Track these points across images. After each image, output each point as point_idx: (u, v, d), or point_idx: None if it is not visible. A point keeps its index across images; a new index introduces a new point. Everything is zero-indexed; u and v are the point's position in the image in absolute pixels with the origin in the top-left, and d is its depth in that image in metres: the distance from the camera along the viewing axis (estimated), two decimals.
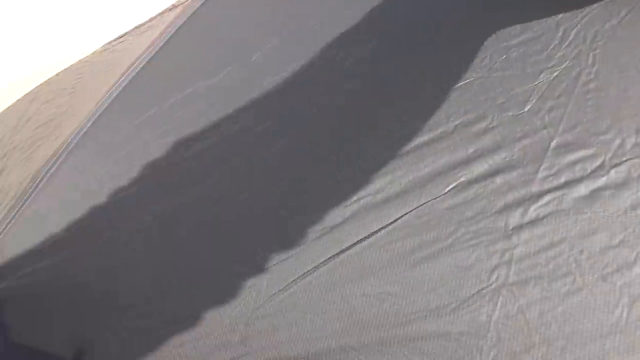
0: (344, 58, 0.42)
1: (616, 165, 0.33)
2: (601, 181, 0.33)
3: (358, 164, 0.37)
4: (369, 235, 0.35)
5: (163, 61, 0.50)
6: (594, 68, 0.37)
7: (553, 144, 0.34)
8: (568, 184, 0.33)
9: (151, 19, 0.68)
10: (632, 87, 0.35)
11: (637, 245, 0.31)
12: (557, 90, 0.36)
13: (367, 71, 0.41)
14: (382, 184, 0.36)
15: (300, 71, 0.43)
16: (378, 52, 0.42)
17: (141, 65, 0.50)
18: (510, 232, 0.33)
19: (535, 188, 0.33)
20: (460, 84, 0.39)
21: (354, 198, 0.35)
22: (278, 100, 0.43)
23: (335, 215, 0.35)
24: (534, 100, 0.36)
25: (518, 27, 0.41)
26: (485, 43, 0.40)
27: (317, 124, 0.41)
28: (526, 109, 0.36)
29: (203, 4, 0.53)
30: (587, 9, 0.40)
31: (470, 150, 0.35)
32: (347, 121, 0.40)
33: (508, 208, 0.33)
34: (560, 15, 0.41)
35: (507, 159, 0.35)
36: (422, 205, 0.34)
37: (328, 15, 0.45)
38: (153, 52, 0.52)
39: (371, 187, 0.36)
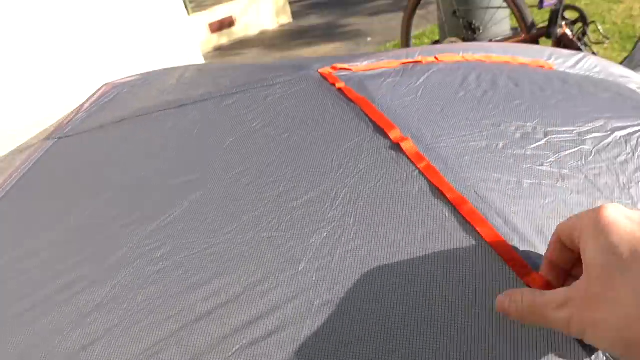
0: None
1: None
2: None
3: None
4: None
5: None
6: (354, 229, 0.44)
7: (316, 303, 0.41)
8: None
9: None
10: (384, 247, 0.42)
11: None
12: (324, 250, 0.43)
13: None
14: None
15: None
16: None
17: None
18: None
19: (304, 348, 0.40)
20: (251, 245, 0.45)
21: None
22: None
23: None
24: (306, 260, 0.43)
25: (304, 186, 0.48)
26: (274, 204, 0.48)
27: None
28: (300, 269, 0.43)
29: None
30: (355, 170, 0.48)
31: (254, 312, 0.42)
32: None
33: None
34: (337, 176, 0.48)
35: (281, 320, 0.41)
36: None
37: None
38: None
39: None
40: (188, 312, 0.42)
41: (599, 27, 2.00)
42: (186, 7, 5.02)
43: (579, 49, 1.91)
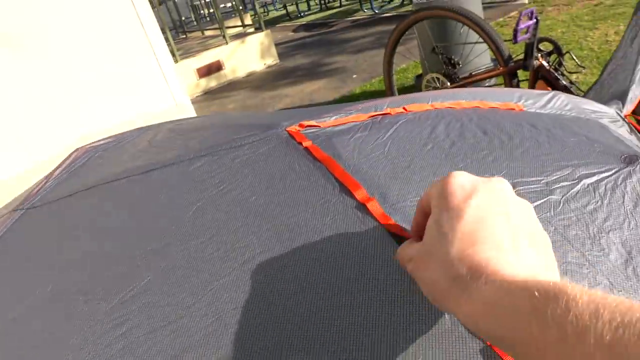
0: None
1: None
2: None
3: None
4: None
5: None
6: (320, 287, 0.43)
7: None
8: None
9: None
10: None
11: None
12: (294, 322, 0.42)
13: None
14: None
15: None
16: None
17: None
18: None
19: None
20: (215, 318, 0.44)
21: None
22: None
23: None
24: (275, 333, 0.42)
25: (270, 252, 0.47)
26: (239, 272, 0.46)
27: None
28: (265, 343, 0.41)
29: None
30: (322, 231, 0.47)
31: None
32: None
33: None
34: (304, 238, 0.47)
35: None
36: None
37: None
38: None
39: None
40: None
41: (574, 57, 2.05)
42: (174, 55, 5.13)
43: (556, 79, 1.95)
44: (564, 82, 1.93)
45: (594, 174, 0.51)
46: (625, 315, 0.20)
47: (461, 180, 0.34)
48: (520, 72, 2.16)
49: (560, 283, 0.24)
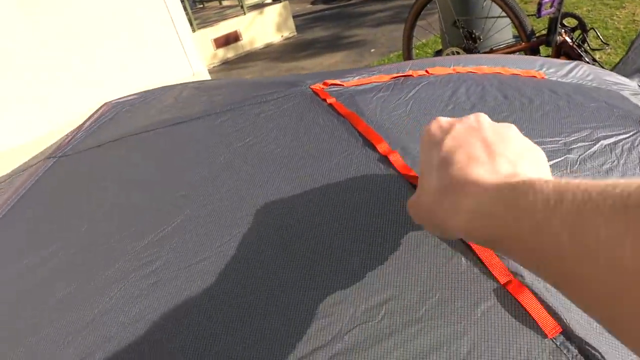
0: None
1: (350, 329, 0.41)
2: (337, 346, 0.40)
3: None
4: None
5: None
6: (338, 235, 0.45)
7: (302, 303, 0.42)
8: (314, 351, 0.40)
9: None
10: None
11: None
12: (309, 259, 0.44)
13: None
14: None
15: None
16: None
17: None
18: None
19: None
20: (240, 259, 0.47)
21: None
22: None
23: None
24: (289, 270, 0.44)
25: (295, 200, 0.50)
26: (261, 216, 0.49)
27: None
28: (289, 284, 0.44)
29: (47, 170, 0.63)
30: (346, 183, 0.49)
31: (234, 317, 0.43)
32: None
33: None
34: (326, 189, 0.49)
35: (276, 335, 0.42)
36: None
37: None
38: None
39: None
40: (182, 332, 0.43)
41: (598, 34, 2.01)
42: (191, 24, 5.10)
43: (579, 56, 1.92)
44: (587, 60, 1.89)
45: (611, 136, 0.52)
46: (585, 192, 0.21)
47: (440, 122, 0.39)
48: (542, 49, 2.13)
49: (531, 179, 0.26)
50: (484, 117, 0.38)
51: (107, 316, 0.46)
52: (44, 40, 2.87)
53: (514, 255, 0.27)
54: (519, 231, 0.25)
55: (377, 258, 0.42)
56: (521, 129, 0.54)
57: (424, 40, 4.35)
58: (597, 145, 0.50)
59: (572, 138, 0.52)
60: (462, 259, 0.40)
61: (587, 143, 0.51)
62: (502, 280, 0.38)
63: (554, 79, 0.79)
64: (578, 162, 0.49)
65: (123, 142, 0.68)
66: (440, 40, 3.20)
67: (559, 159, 0.49)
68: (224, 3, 7.17)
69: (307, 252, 0.44)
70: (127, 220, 0.55)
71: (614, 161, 0.49)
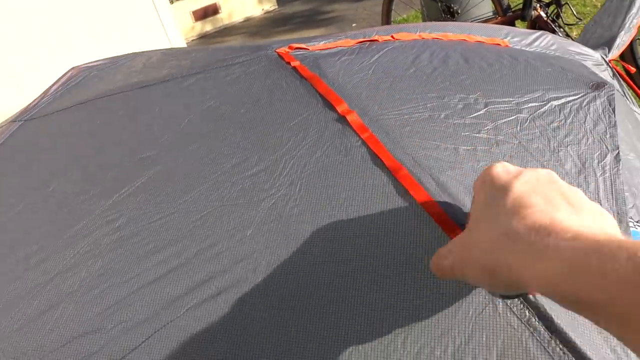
0: None
1: None
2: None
3: None
4: None
5: None
6: (299, 195, 0.46)
7: (263, 263, 0.44)
8: None
9: None
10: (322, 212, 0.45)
11: None
12: (271, 216, 0.46)
13: None
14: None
15: None
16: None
17: None
18: None
19: (246, 305, 0.43)
20: (203, 213, 0.48)
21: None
22: None
23: None
24: (254, 226, 0.46)
25: (255, 158, 0.51)
26: (227, 175, 0.50)
27: None
28: (247, 234, 0.46)
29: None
30: (303, 142, 0.51)
31: (204, 274, 0.44)
32: None
33: None
34: (286, 148, 0.51)
35: (229, 281, 0.44)
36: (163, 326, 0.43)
37: None
38: None
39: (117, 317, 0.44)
40: (143, 276, 0.45)
41: (572, 9, 2.03)
42: None
43: (553, 30, 1.94)
44: (560, 34, 1.92)
45: (561, 97, 0.54)
46: None
47: (505, 166, 0.34)
48: (518, 23, 2.14)
49: (635, 241, 0.23)
50: (555, 175, 0.33)
51: (71, 271, 0.47)
52: (11, 8, 2.78)
53: (607, 324, 0.24)
54: (622, 298, 0.22)
55: (325, 216, 0.44)
56: (477, 90, 0.56)
57: (404, 16, 4.33)
58: (547, 106, 0.53)
59: (525, 99, 0.54)
60: (412, 214, 0.42)
61: (538, 103, 0.53)
62: (448, 230, 0.41)
63: (518, 47, 0.80)
64: (528, 121, 0.51)
65: (90, 104, 0.68)
66: (420, 16, 3.19)
67: (511, 118, 0.51)
68: None
69: (266, 208, 0.46)
70: (94, 180, 0.56)
71: (561, 120, 0.51)
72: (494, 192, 0.32)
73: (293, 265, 0.42)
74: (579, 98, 0.54)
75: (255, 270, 0.43)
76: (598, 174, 0.45)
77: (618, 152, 0.47)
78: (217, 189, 0.49)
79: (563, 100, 0.54)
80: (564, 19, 2.00)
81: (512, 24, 2.12)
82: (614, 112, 0.52)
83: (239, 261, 0.44)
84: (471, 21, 2.39)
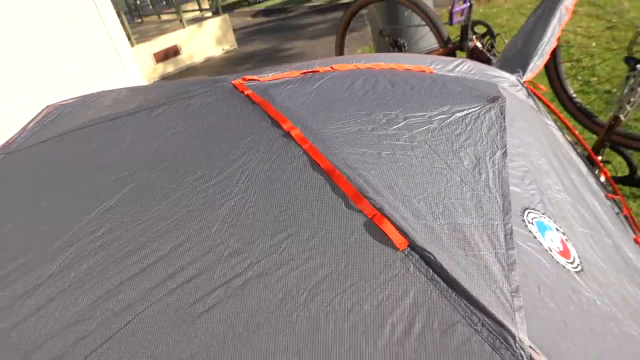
0: None
1: (260, 260, 0.52)
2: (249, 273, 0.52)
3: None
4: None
5: None
6: (254, 197, 0.56)
7: (226, 253, 0.53)
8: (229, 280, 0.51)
9: None
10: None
11: None
12: (231, 215, 0.56)
13: None
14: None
15: None
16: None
17: None
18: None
19: (213, 285, 0.52)
20: (174, 218, 0.57)
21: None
22: None
23: None
24: (218, 224, 0.55)
25: (216, 171, 0.61)
26: (193, 186, 0.60)
27: None
28: (213, 231, 0.55)
29: None
30: (256, 155, 0.61)
31: (176, 266, 0.53)
32: None
33: (197, 302, 0.51)
34: (242, 161, 0.61)
35: (198, 269, 0.53)
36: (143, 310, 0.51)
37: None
38: None
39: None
40: (124, 272, 0.53)
41: (504, 39, 2.25)
42: (129, 38, 5.08)
43: (488, 60, 2.14)
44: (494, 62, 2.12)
45: (464, 109, 0.67)
46: None
47: None
48: (458, 53, 2.35)
49: None
50: None
51: (62, 273, 0.55)
52: None
53: None
54: None
55: (275, 201, 0.54)
56: (398, 107, 0.68)
57: (359, 51, 4.57)
58: (452, 117, 0.65)
59: (435, 112, 0.66)
60: (343, 204, 0.53)
61: (445, 116, 0.66)
62: (369, 214, 0.51)
63: (441, 72, 0.94)
64: (437, 129, 0.63)
65: (66, 136, 0.76)
66: (372, 50, 3.40)
67: (424, 128, 0.63)
68: (163, 17, 7.15)
69: (227, 209, 0.56)
70: (76, 199, 0.64)
71: (463, 127, 0.64)
72: None
73: (250, 252, 0.52)
74: (477, 110, 0.67)
75: (220, 259, 0.52)
76: (489, 167, 0.58)
77: (505, 150, 0.60)
78: (185, 198, 0.58)
79: (465, 112, 0.66)
80: (496, 49, 2.21)
81: (453, 54, 2.32)
82: (504, 119, 0.65)
83: (206, 253, 0.53)
84: (418, 52, 2.59)
